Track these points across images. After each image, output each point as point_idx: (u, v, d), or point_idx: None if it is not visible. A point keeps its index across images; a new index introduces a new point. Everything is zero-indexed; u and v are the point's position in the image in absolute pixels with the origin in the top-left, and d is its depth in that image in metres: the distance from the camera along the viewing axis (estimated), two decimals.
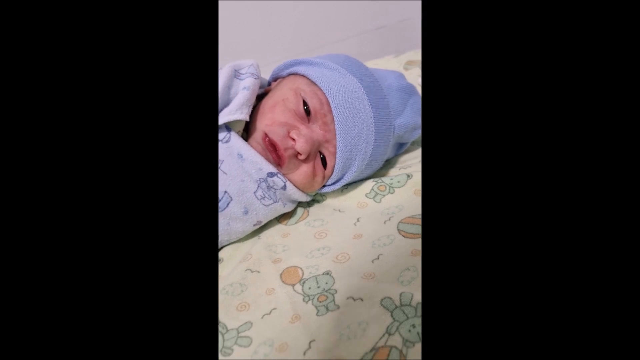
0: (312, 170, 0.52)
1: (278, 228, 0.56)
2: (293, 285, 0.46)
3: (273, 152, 0.51)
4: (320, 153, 0.53)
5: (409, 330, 0.38)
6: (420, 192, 0.53)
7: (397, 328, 0.39)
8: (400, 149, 0.63)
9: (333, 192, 0.58)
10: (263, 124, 0.52)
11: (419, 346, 0.38)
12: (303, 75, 0.54)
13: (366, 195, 0.55)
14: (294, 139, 0.50)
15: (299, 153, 0.50)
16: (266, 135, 0.51)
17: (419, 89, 0.79)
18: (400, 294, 0.41)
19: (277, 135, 0.50)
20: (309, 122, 0.52)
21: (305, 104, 0.51)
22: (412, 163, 0.60)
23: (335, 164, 0.52)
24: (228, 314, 0.45)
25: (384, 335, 0.39)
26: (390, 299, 0.41)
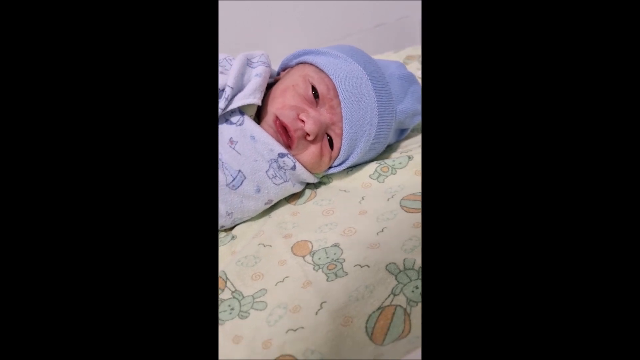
0: (319, 150, 0.55)
1: (287, 208, 0.59)
2: (304, 256, 0.49)
3: (284, 133, 0.54)
4: (328, 135, 0.56)
5: (412, 291, 0.42)
6: (421, 172, 0.57)
7: (402, 289, 0.42)
8: (402, 135, 0.66)
9: (339, 174, 0.62)
10: (274, 108, 0.55)
11: (421, 305, 0.41)
12: (311, 64, 0.58)
13: (370, 176, 0.59)
14: (303, 121, 0.53)
15: (307, 134, 0.53)
16: (277, 117, 0.54)
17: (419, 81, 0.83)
18: (404, 260, 0.45)
19: (287, 118, 0.54)
20: (317, 105, 0.55)
21: (313, 89, 0.55)
22: (412, 147, 0.64)
23: (341, 145, 0.56)
24: (244, 283, 0.48)
25: (389, 295, 0.42)
26: (395, 264, 0.44)
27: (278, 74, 0.64)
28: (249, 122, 0.54)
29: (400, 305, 0.41)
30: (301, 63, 0.60)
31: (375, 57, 1.00)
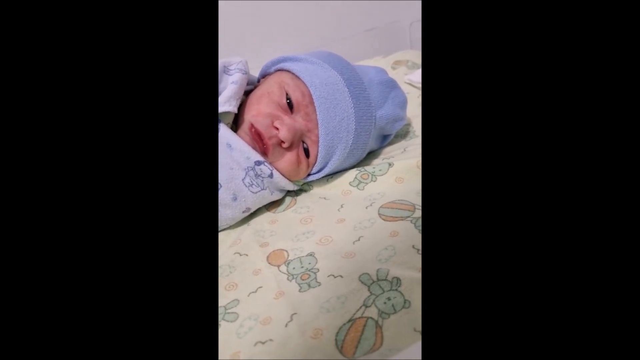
0: (296, 158, 0.55)
1: (267, 215, 0.58)
2: (279, 266, 0.49)
3: (259, 141, 0.54)
4: (304, 143, 0.56)
5: (385, 303, 0.41)
6: (401, 179, 0.56)
7: (374, 301, 0.41)
8: (384, 141, 0.65)
9: (319, 181, 0.61)
10: (250, 115, 0.55)
11: (394, 317, 0.40)
12: (288, 71, 0.57)
13: (350, 183, 0.58)
14: (277, 128, 0.53)
15: (282, 141, 0.53)
16: (252, 125, 0.54)
17: (404, 87, 0.82)
18: (377, 270, 0.44)
19: (262, 125, 0.53)
20: (292, 113, 0.55)
21: (288, 96, 0.54)
22: (395, 154, 0.63)
23: (318, 152, 0.55)
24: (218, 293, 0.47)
25: (360, 307, 0.41)
26: (368, 274, 0.43)
27: (258, 81, 0.63)
28: (224, 130, 0.53)
29: (371, 317, 0.40)
30: (279, 70, 0.59)
31: (364, 61, 1.00)
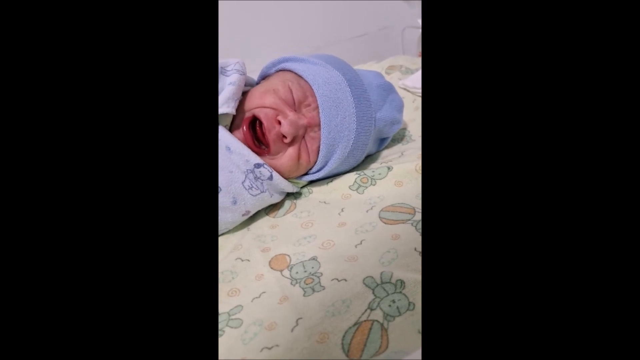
0: (297, 153, 0.55)
1: (266, 220, 0.58)
2: (281, 270, 0.48)
3: (258, 133, 0.54)
4: (306, 142, 0.56)
5: (389, 305, 0.41)
6: (400, 183, 0.57)
7: (379, 304, 0.41)
8: (382, 144, 0.66)
9: (319, 185, 0.61)
10: (252, 106, 0.55)
11: (399, 319, 0.40)
12: (290, 70, 0.57)
13: (350, 187, 0.58)
14: (279, 123, 0.53)
15: (284, 136, 0.53)
16: (254, 115, 0.54)
17: (399, 91, 0.83)
18: (381, 273, 0.44)
19: (265, 117, 0.54)
20: (295, 110, 0.55)
21: (292, 93, 0.55)
22: (392, 158, 0.64)
23: (318, 150, 0.55)
24: (220, 300, 0.47)
25: (366, 310, 0.41)
26: (372, 277, 0.44)
27: (258, 82, 0.63)
28: (223, 133, 0.53)
29: (377, 320, 0.40)
30: (280, 70, 0.59)
31: (358, 66, 1.00)
